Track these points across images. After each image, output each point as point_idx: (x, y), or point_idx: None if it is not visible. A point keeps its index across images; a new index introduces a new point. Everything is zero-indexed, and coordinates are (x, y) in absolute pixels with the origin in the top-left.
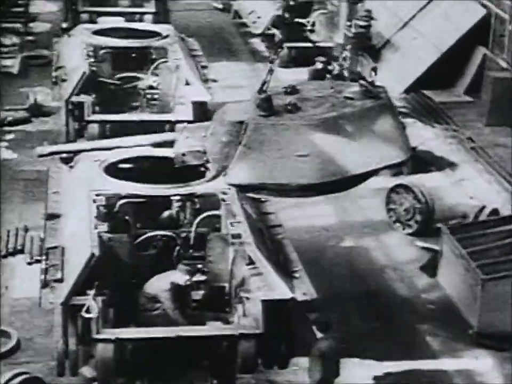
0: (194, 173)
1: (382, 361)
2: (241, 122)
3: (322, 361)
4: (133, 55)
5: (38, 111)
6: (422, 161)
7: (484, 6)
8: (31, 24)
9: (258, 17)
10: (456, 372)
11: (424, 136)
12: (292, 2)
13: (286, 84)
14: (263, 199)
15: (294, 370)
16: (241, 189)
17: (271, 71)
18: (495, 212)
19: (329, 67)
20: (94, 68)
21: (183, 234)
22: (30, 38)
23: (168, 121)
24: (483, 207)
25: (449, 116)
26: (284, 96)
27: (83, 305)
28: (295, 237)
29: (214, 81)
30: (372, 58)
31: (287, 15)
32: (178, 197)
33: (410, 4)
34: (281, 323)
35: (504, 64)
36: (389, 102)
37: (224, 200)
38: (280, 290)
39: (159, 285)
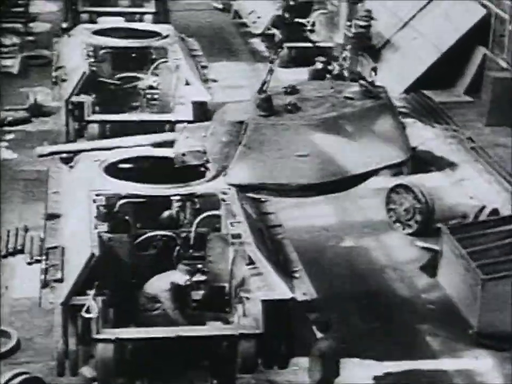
0: (194, 173)
1: (382, 361)
2: (241, 122)
3: (322, 361)
4: (133, 55)
5: (38, 111)
6: (422, 161)
7: (484, 6)
8: (31, 24)
9: (258, 17)
10: (456, 372)
11: (424, 136)
12: (291, 2)
13: (286, 84)
14: (263, 199)
15: (294, 370)
16: (241, 188)
17: (271, 71)
18: (495, 212)
19: (329, 67)
20: (94, 68)
21: (183, 234)
22: (30, 38)
23: (168, 121)
24: (483, 207)
25: (449, 116)
26: (284, 96)
27: (83, 305)
28: (295, 237)
29: (214, 81)
30: (372, 58)
31: (287, 15)
32: (178, 197)
33: (410, 3)
34: (281, 323)
35: (504, 64)
36: (389, 102)
37: (224, 200)
38: (280, 290)
39: (159, 285)
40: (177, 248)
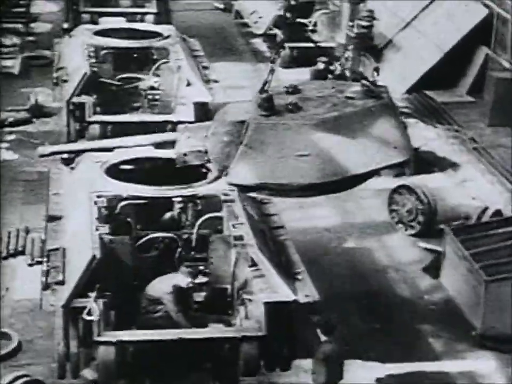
0: (196, 174)
1: (384, 363)
2: (242, 122)
3: (326, 364)
4: (134, 55)
5: (39, 112)
6: (424, 162)
7: (486, 6)
8: (32, 25)
9: (260, 17)
10: (459, 373)
11: (427, 136)
12: (293, 2)
13: (287, 84)
14: (265, 201)
15: (296, 372)
16: (242, 188)
17: (272, 71)
18: (498, 212)
19: (331, 67)
20: (95, 69)
21: (185, 236)
22: (31, 38)
23: (170, 122)
24: (486, 208)
25: (452, 116)
26: (285, 96)
27: (84, 307)
28: (297, 237)
29: (216, 81)
30: (374, 59)
31: (288, 15)
32: (180, 199)
33: (412, 4)
34: (283, 325)
35: (506, 64)
36: (390, 102)
37: (226, 202)
38: (282, 292)
39: (161, 287)
40: (179, 250)
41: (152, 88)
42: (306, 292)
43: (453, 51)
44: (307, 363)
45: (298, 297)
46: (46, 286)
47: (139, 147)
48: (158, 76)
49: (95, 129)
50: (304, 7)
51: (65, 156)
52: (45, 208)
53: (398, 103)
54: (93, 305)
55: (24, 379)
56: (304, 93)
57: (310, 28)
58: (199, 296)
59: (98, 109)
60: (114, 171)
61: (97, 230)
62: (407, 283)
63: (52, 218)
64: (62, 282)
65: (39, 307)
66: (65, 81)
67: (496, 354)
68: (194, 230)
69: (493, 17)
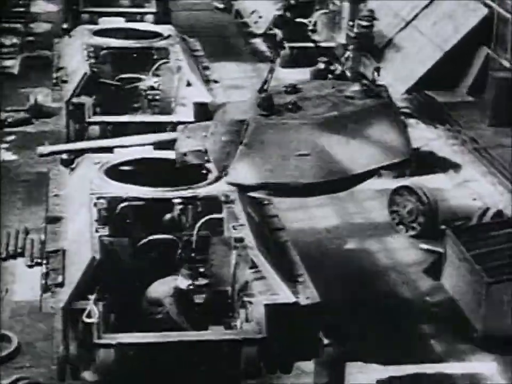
0: (196, 175)
1: (385, 365)
2: (242, 122)
3: (327, 366)
4: (134, 55)
5: (38, 112)
6: (425, 163)
7: (487, 5)
8: (31, 25)
9: (260, 17)
10: (460, 375)
11: (427, 137)
12: (293, 2)
13: (286, 83)
14: (265, 202)
15: (297, 375)
16: (242, 188)
17: (272, 70)
18: (499, 213)
19: (332, 67)
20: (95, 69)
21: (185, 238)
22: (30, 38)
23: (170, 123)
24: (487, 209)
25: (452, 117)
26: (285, 95)
27: (84, 309)
28: (298, 239)
29: (216, 82)
30: (374, 59)
31: (288, 15)
32: (180, 200)
33: (412, 3)
34: (284, 327)
35: (507, 64)
36: (390, 101)
37: (226, 203)
38: (283, 294)
39: (161, 289)
40: (179, 251)
41: (152, 88)
42: (307, 294)
43: (453, 51)
44: (308, 365)
45: (299, 299)
46: (45, 288)
47: (138, 147)
48: (158, 76)
49: (94, 129)
50: (304, 7)
51: (65, 157)
52: (44, 209)
53: (398, 103)
54: (93, 308)
55: (24, 381)
56: (303, 92)
57: (310, 27)
58: (200, 298)
59: (98, 109)
60: (114, 172)
61: (97, 231)
62: (407, 284)
63: (51, 220)
64: (61, 284)
65: (39, 309)
66: (64, 81)
67: (497, 356)
68: (195, 232)
69: (494, 16)
